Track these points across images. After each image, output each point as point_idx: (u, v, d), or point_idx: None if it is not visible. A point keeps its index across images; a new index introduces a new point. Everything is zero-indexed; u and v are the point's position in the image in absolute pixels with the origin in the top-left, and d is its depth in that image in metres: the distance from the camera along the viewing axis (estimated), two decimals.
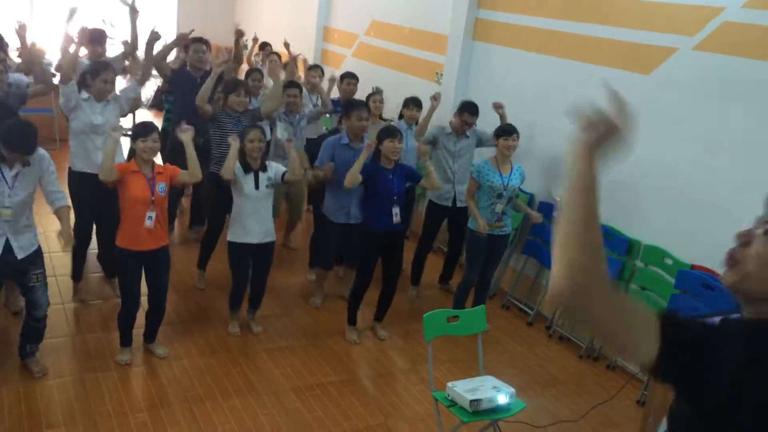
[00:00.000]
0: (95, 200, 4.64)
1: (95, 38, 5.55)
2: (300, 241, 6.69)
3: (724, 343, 1.24)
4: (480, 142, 5.70)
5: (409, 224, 6.27)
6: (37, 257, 3.92)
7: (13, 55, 6.09)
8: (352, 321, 5.00)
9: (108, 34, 5.91)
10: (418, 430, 4.03)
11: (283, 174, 4.67)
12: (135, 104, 5.42)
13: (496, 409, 3.53)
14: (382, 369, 4.68)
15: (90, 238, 5.08)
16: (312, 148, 5.95)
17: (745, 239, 1.30)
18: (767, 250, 1.26)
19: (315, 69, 7.14)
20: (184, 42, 6.00)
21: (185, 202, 6.94)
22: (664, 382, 1.29)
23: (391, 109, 6.65)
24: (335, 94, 6.92)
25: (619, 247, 4.96)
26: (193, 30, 5.98)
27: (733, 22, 4.32)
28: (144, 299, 4.41)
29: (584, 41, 5.38)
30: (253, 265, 4.76)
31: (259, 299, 4.93)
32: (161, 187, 4.11)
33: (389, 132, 4.69)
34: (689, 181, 4.55)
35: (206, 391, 4.14)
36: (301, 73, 7.61)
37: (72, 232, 4.01)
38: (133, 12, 5.54)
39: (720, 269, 4.61)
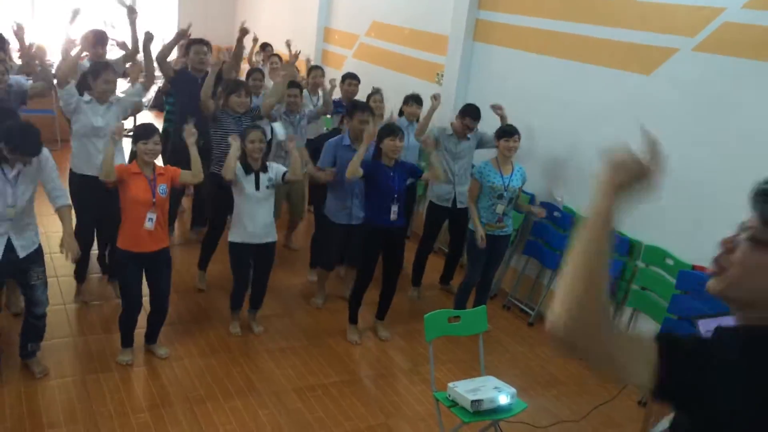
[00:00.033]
0: (96, 202, 4.65)
1: (96, 40, 5.56)
2: (301, 241, 6.70)
3: (718, 354, 1.25)
4: (481, 143, 5.70)
5: (410, 223, 6.27)
6: (38, 256, 3.93)
7: (14, 56, 6.09)
8: (353, 320, 5.00)
9: (109, 35, 5.91)
10: (419, 430, 4.03)
11: (284, 174, 4.68)
12: (137, 107, 5.42)
13: (497, 410, 3.53)
14: (384, 369, 4.68)
15: (92, 239, 5.09)
16: (312, 147, 5.96)
17: (729, 246, 1.30)
18: (751, 257, 1.26)
19: (316, 70, 7.16)
20: (183, 39, 5.98)
21: (186, 202, 6.94)
22: (666, 401, 1.29)
23: (392, 109, 6.65)
24: (336, 94, 6.92)
25: (620, 248, 4.95)
26: (191, 24, 5.96)
27: (733, 23, 4.32)
28: (145, 300, 4.42)
29: (584, 42, 5.38)
30: (254, 265, 4.77)
31: (260, 299, 4.94)
32: (162, 188, 4.12)
33: (390, 130, 4.68)
34: (690, 182, 4.55)
35: (207, 391, 4.14)
36: (303, 73, 7.61)
37: (75, 238, 4.01)
38: (132, 13, 5.54)
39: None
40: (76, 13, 5.18)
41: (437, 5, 7.10)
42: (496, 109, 5.66)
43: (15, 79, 5.07)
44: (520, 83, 6.02)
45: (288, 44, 8.06)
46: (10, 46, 5.62)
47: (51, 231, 4.17)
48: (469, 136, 5.65)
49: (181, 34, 5.80)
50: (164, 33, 5.80)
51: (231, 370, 4.40)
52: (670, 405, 1.29)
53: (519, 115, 5.64)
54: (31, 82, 5.27)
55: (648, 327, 4.79)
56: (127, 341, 4.34)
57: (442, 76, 6.88)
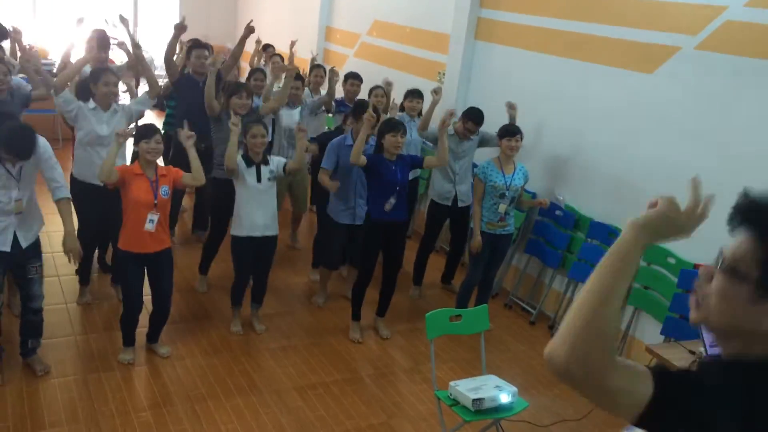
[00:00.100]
0: (99, 210, 4.66)
1: (98, 43, 5.56)
2: (303, 240, 6.70)
3: (702, 388, 1.24)
4: (482, 142, 5.70)
5: (411, 219, 6.25)
6: (36, 249, 3.93)
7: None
8: (356, 316, 5.00)
9: (110, 34, 5.91)
10: (421, 429, 4.03)
11: (285, 166, 4.69)
12: (140, 115, 5.43)
13: (499, 408, 3.53)
14: (385, 368, 4.68)
15: (95, 244, 5.10)
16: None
17: (708, 275, 1.32)
18: (725, 285, 1.27)
19: (318, 69, 7.16)
20: (182, 32, 5.97)
21: (187, 201, 6.94)
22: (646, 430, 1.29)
23: (395, 97, 6.63)
24: (338, 93, 6.92)
25: None
26: (184, 17, 5.96)
27: (736, 21, 4.32)
28: (147, 300, 4.42)
29: (586, 40, 5.38)
30: (255, 259, 4.77)
31: (261, 295, 4.94)
32: (164, 190, 4.11)
33: (392, 126, 4.65)
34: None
35: (209, 390, 4.15)
36: (306, 70, 7.63)
37: (74, 234, 4.01)
38: (123, 20, 5.57)
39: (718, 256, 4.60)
40: (80, 21, 5.18)
41: (439, 4, 7.10)
42: (510, 107, 5.62)
43: (17, 81, 5.07)
44: (522, 82, 6.01)
45: (291, 46, 8.09)
46: (14, 34, 5.61)
47: (51, 230, 4.16)
48: (471, 136, 5.64)
49: (179, 28, 5.78)
50: (165, 33, 5.79)
51: (232, 369, 4.40)
52: None
53: (521, 113, 5.65)
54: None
55: (650, 326, 4.78)
56: (129, 340, 4.34)
57: (444, 74, 6.88)
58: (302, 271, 6.04)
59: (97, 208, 4.67)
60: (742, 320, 1.25)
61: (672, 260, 4.67)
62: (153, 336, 4.48)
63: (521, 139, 5.03)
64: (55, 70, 6.10)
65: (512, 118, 5.56)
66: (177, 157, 5.38)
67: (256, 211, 4.60)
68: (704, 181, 4.63)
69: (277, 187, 4.80)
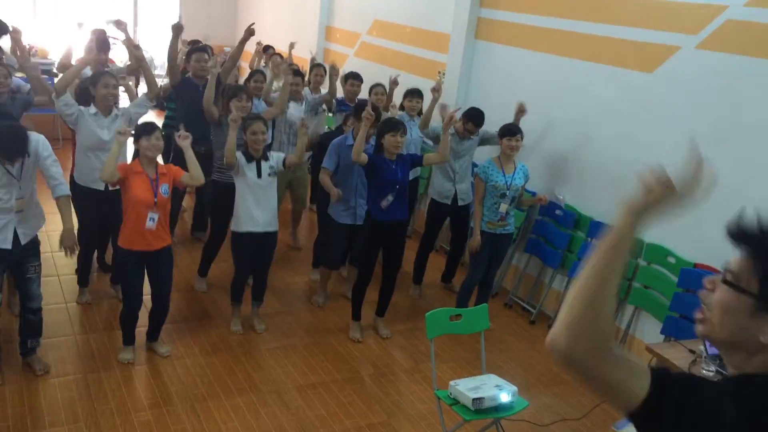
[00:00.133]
0: (100, 213, 4.68)
1: (99, 45, 5.55)
2: (303, 240, 6.70)
3: (706, 401, 1.25)
4: (483, 141, 5.69)
5: (411, 218, 6.25)
6: (35, 248, 3.93)
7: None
8: (356, 316, 5.00)
9: (111, 35, 5.92)
10: (421, 428, 4.03)
11: (284, 159, 4.69)
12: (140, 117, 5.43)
13: (499, 408, 3.53)
14: (385, 367, 4.68)
15: (94, 246, 5.11)
16: (316, 146, 6.00)
17: (711, 287, 1.33)
18: (726, 297, 1.29)
19: (318, 68, 7.16)
20: (180, 31, 5.97)
21: (187, 201, 6.94)
22: (638, 428, 1.29)
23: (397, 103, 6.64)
24: (338, 93, 6.93)
25: None
26: (181, 16, 5.96)
27: (736, 21, 4.31)
28: (147, 299, 4.42)
29: (587, 40, 5.37)
30: (255, 255, 4.76)
31: (261, 293, 4.94)
32: (164, 188, 4.11)
33: (392, 125, 4.64)
34: None
35: (209, 389, 4.14)
36: (306, 68, 7.65)
37: (73, 231, 4.02)
38: (119, 24, 5.57)
39: (721, 267, 4.61)
40: (80, 26, 5.18)
41: (439, 3, 7.10)
42: (520, 111, 5.56)
43: (17, 82, 5.07)
44: (522, 81, 6.01)
45: (291, 47, 8.11)
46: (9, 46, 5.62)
47: (51, 230, 4.16)
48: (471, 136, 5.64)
49: (176, 29, 5.78)
50: (165, 33, 5.79)
51: (232, 368, 4.40)
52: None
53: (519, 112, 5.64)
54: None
55: (650, 325, 4.78)
56: (129, 339, 4.34)
57: (444, 74, 6.88)
58: (302, 270, 6.04)
59: (98, 211, 4.69)
60: (744, 333, 1.27)
61: (672, 260, 4.67)
62: (153, 334, 4.48)
63: (522, 138, 5.02)
64: (55, 70, 6.11)
65: (517, 120, 5.52)
66: (177, 159, 5.38)
67: (256, 207, 4.60)
68: (703, 180, 4.57)
69: (277, 186, 4.80)
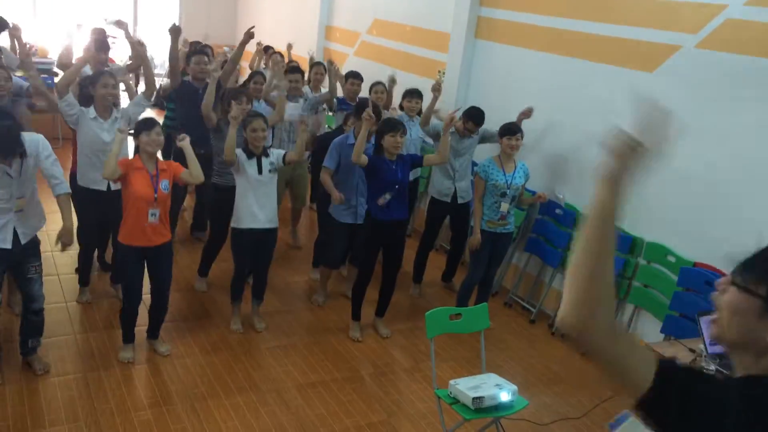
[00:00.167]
0: (100, 213, 4.68)
1: (97, 45, 5.55)
2: (303, 239, 6.70)
3: (713, 395, 1.27)
4: (483, 139, 5.69)
5: (411, 217, 6.25)
6: (35, 248, 3.93)
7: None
8: (356, 316, 5.00)
9: (111, 34, 5.92)
10: (421, 427, 4.03)
11: (284, 156, 4.69)
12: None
13: (499, 407, 3.53)
14: (385, 366, 4.68)
15: (95, 245, 5.11)
16: (318, 145, 5.99)
17: (723, 288, 1.36)
18: (735, 299, 1.32)
19: (318, 66, 7.16)
20: (179, 34, 5.97)
21: (188, 200, 6.94)
22: (645, 420, 1.31)
23: (395, 103, 6.64)
24: (338, 93, 6.93)
25: (622, 245, 4.95)
26: (179, 17, 5.96)
27: (736, 20, 4.31)
28: (146, 298, 4.42)
29: (587, 39, 5.37)
30: (255, 252, 4.77)
31: (262, 291, 4.94)
32: (164, 184, 4.12)
33: (391, 126, 4.64)
34: (692, 179, 4.54)
35: (209, 388, 4.15)
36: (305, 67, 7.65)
37: (72, 229, 4.04)
38: (120, 24, 5.56)
39: (721, 267, 4.61)
40: (79, 27, 5.18)
41: (439, 2, 7.09)
42: (525, 115, 5.55)
43: (18, 83, 5.08)
44: (522, 80, 6.01)
45: (289, 48, 8.12)
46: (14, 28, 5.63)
47: (51, 229, 4.16)
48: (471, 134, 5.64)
49: (175, 31, 5.78)
50: (165, 33, 5.78)
51: (232, 367, 4.40)
52: (650, 422, 1.30)
53: (520, 111, 5.64)
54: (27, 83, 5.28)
55: (650, 324, 4.78)
56: (129, 337, 4.35)
57: (444, 73, 6.87)
58: (302, 270, 6.04)
59: (98, 211, 4.69)
60: (752, 334, 1.28)
61: (672, 259, 4.67)
62: (153, 331, 4.48)
63: (522, 138, 5.02)
64: (55, 69, 6.11)
65: (518, 119, 5.51)
66: (178, 160, 5.38)
67: (256, 204, 4.61)
68: (705, 178, 4.62)
69: (277, 184, 4.80)
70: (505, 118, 5.34)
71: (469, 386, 3.52)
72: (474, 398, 3.42)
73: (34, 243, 3.93)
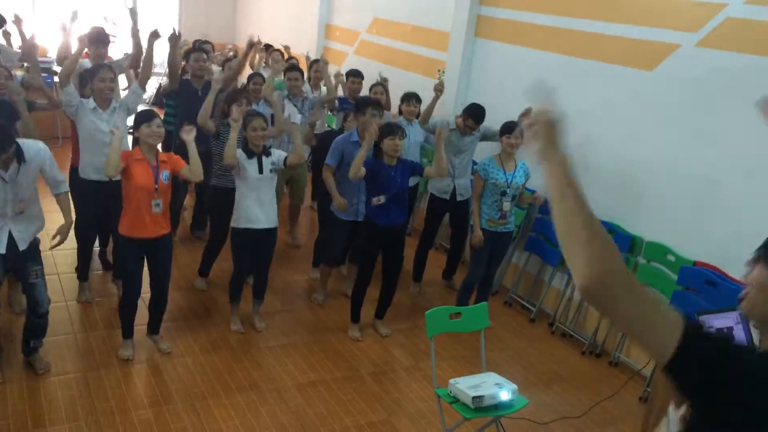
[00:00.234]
0: (101, 205, 4.68)
1: (97, 39, 5.56)
2: (303, 237, 6.70)
3: (748, 359, 1.28)
4: (484, 137, 5.69)
5: (410, 217, 6.26)
6: (34, 252, 3.92)
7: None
8: (355, 318, 5.00)
9: (110, 32, 5.91)
10: (421, 426, 4.03)
11: (285, 158, 4.69)
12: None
13: (499, 406, 3.53)
14: (385, 366, 4.68)
15: (95, 237, 5.11)
16: (319, 144, 5.99)
17: (752, 266, 1.41)
18: (762, 275, 1.37)
19: (316, 63, 7.17)
20: (178, 41, 5.99)
21: (188, 200, 6.94)
22: (677, 383, 1.31)
23: (394, 106, 6.64)
24: (338, 92, 6.92)
25: (622, 244, 4.95)
26: (174, 29, 5.95)
27: (736, 18, 4.31)
28: (147, 297, 4.42)
29: (586, 38, 5.37)
30: (255, 253, 4.77)
31: (262, 290, 4.94)
32: (165, 175, 4.13)
33: (390, 130, 4.65)
34: (692, 178, 4.55)
35: (209, 388, 4.15)
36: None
37: (71, 226, 4.06)
38: (133, 14, 5.56)
39: (722, 266, 4.61)
40: (75, 15, 5.18)
41: (438, 1, 7.09)
42: (524, 115, 5.54)
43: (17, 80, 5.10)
44: (522, 79, 5.99)
45: (287, 49, 8.14)
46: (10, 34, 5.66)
47: (51, 228, 4.16)
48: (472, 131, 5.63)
49: (174, 38, 5.79)
50: (165, 33, 5.78)
51: (232, 367, 4.40)
52: (675, 385, 1.30)
53: (520, 110, 5.62)
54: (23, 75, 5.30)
55: None
56: (128, 332, 4.35)
57: (443, 72, 6.87)
58: (302, 269, 6.04)
59: (99, 203, 4.69)
60: None
61: (672, 258, 4.67)
62: (153, 327, 4.48)
63: (521, 136, 5.01)
64: (54, 67, 6.12)
65: (520, 120, 5.51)
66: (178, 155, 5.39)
67: (257, 204, 4.61)
68: (705, 177, 4.62)
69: (276, 183, 4.80)
70: (505, 117, 5.33)
71: (469, 385, 3.52)
72: (474, 397, 3.43)
73: (34, 247, 3.92)
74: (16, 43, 6.55)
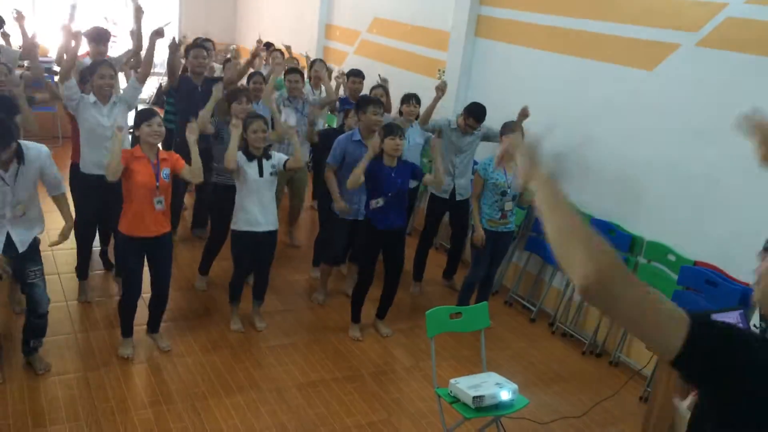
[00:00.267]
0: (101, 201, 4.68)
1: (97, 37, 5.57)
2: (302, 238, 6.70)
3: (756, 345, 1.28)
4: (486, 137, 5.69)
5: (410, 218, 6.26)
6: (33, 253, 3.92)
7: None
8: (355, 319, 5.00)
9: (110, 32, 5.92)
10: (421, 426, 4.03)
11: (285, 162, 4.69)
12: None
13: (499, 406, 3.53)
14: (385, 365, 4.68)
15: (94, 234, 5.11)
16: (321, 143, 5.99)
17: (764, 256, 1.43)
18: None
19: (318, 63, 7.16)
20: (177, 49, 6.01)
21: (188, 199, 6.94)
22: (687, 376, 1.31)
23: (394, 107, 6.64)
24: (340, 92, 6.92)
25: (622, 244, 4.95)
26: (174, 39, 5.95)
27: (736, 18, 4.31)
28: (147, 297, 4.42)
29: (587, 37, 5.37)
30: (256, 255, 4.77)
31: (263, 291, 4.94)
32: (165, 173, 4.12)
33: (390, 129, 4.66)
34: (692, 177, 4.55)
35: (209, 387, 4.15)
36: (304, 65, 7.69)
37: (72, 225, 4.07)
38: (139, 12, 5.56)
39: (722, 265, 4.61)
40: (73, 8, 5.19)
41: (439, 1, 7.09)
42: (523, 116, 5.54)
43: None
44: (522, 79, 6.00)
45: (288, 48, 8.15)
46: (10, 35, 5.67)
47: (51, 228, 4.17)
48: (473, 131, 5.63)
49: (173, 47, 5.80)
50: (166, 32, 5.78)
51: (233, 367, 4.40)
52: (683, 375, 1.31)
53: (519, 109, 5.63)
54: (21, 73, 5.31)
55: None
56: (127, 330, 4.35)
57: (444, 72, 6.87)
58: (302, 268, 6.04)
59: (99, 199, 4.69)
60: None
61: (672, 257, 4.67)
62: (153, 325, 4.49)
63: (522, 136, 5.01)
64: (55, 67, 6.13)
65: (518, 121, 5.50)
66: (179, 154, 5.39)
67: (257, 207, 4.60)
68: (706, 177, 4.62)
69: (276, 184, 4.80)
70: (505, 117, 5.34)
71: (469, 385, 3.52)
72: (474, 397, 3.43)
73: (33, 248, 3.91)
74: (16, 43, 6.56)
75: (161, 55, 6.94)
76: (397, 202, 4.71)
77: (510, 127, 5.00)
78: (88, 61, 5.51)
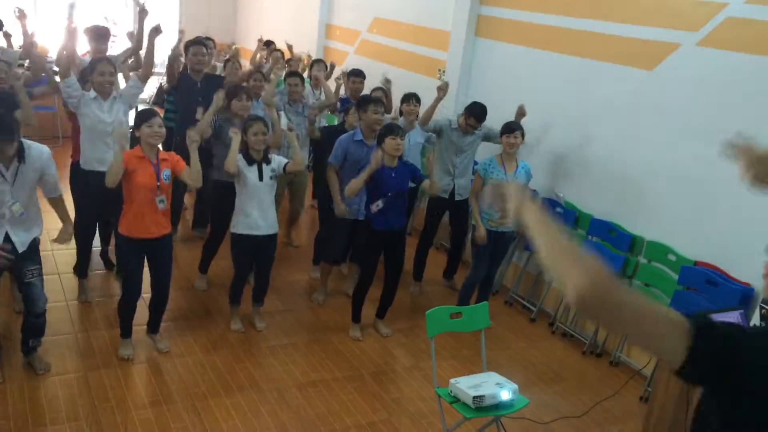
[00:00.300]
0: (102, 198, 4.67)
1: (97, 35, 5.58)
2: (302, 238, 6.70)
3: (760, 343, 1.28)
4: (487, 138, 5.68)
5: (410, 218, 6.26)
6: (33, 253, 3.91)
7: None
8: (356, 319, 5.00)
9: (111, 31, 5.93)
10: (421, 426, 4.03)
11: (285, 165, 4.69)
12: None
13: (499, 406, 3.53)
14: (385, 365, 4.68)
15: (94, 233, 5.11)
16: (322, 141, 6.00)
17: None
18: None
19: (318, 63, 7.16)
20: (177, 58, 6.02)
21: (188, 199, 6.94)
22: (692, 383, 1.31)
23: (394, 108, 6.64)
24: (341, 92, 6.92)
25: (623, 244, 4.95)
26: (159, 24, 5.96)
27: (736, 18, 4.31)
28: (147, 297, 4.42)
29: (587, 37, 5.37)
30: (256, 258, 4.77)
31: (263, 294, 4.94)
32: (166, 173, 4.12)
33: (390, 129, 4.66)
34: (692, 177, 4.54)
35: (209, 387, 4.15)
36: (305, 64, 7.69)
37: (72, 226, 4.07)
38: (142, 12, 5.57)
39: (722, 265, 4.60)
40: (71, 8, 5.19)
41: (439, 1, 7.09)
42: (520, 114, 5.54)
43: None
44: (522, 79, 6.00)
45: (289, 47, 8.15)
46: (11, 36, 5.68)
47: (51, 227, 4.17)
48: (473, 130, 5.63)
49: (175, 56, 5.81)
50: (166, 32, 5.79)
51: (233, 366, 4.40)
52: (695, 384, 1.32)
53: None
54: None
55: None
56: (126, 331, 4.35)
57: (444, 71, 6.87)
58: (303, 268, 6.04)
59: (100, 197, 4.68)
60: None
61: (673, 257, 4.67)
62: (153, 326, 4.48)
63: (521, 136, 5.02)
64: (54, 65, 6.13)
65: (516, 120, 5.50)
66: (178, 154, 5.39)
67: (257, 211, 4.60)
68: (706, 177, 4.62)
69: (277, 187, 4.80)
70: (505, 117, 5.34)
71: (469, 385, 3.52)
72: (474, 397, 3.42)
73: (33, 248, 3.91)
74: (17, 44, 6.56)
75: (161, 54, 6.94)
76: (397, 203, 4.71)
77: (511, 127, 5.00)
78: (88, 59, 5.51)
